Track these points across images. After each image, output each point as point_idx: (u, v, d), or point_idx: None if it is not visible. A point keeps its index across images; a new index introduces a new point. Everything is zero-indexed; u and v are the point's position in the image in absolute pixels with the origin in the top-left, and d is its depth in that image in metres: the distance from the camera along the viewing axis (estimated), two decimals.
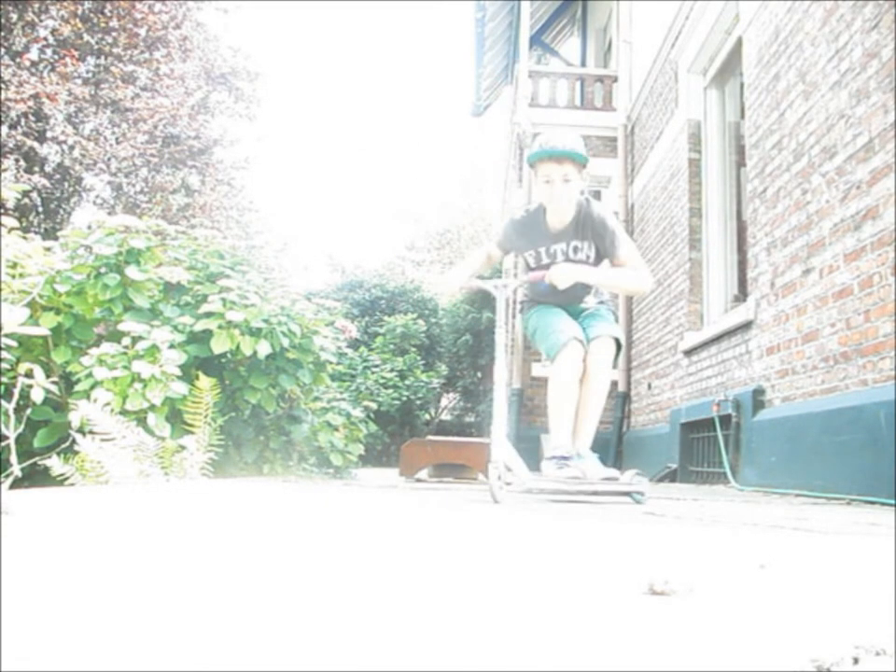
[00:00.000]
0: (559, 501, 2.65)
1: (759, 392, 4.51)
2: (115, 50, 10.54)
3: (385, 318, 14.20)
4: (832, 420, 3.52)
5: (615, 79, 9.32)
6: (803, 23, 4.17)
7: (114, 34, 10.50)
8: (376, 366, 12.68)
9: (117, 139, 10.38)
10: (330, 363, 4.17)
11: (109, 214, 5.85)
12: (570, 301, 3.00)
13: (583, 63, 12.33)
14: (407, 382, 12.64)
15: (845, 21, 3.68)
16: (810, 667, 0.57)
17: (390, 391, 12.22)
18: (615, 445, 8.23)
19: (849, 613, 0.80)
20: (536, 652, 0.60)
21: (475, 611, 0.76)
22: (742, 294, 5.51)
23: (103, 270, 3.28)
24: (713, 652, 0.62)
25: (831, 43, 3.82)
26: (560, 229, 2.91)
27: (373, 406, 5.84)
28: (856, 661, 0.59)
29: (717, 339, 5.39)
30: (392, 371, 12.64)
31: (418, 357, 13.38)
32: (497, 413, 2.70)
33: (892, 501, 2.88)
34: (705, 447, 5.52)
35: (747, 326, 4.80)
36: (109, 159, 10.21)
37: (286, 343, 3.56)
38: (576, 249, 2.92)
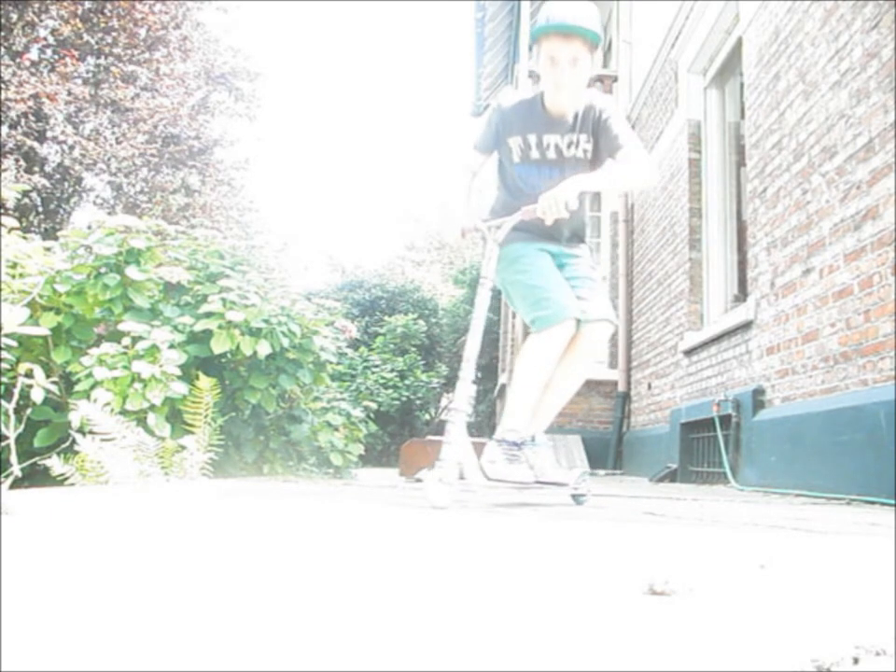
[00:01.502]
0: (500, 504, 2.51)
1: (759, 392, 4.51)
2: (115, 50, 10.54)
3: (385, 318, 14.20)
4: (832, 420, 3.52)
5: (615, 79, 9.31)
6: (803, 23, 4.17)
7: (114, 34, 10.49)
8: (376, 366, 12.69)
9: (117, 139, 10.38)
10: (330, 363, 4.17)
11: (109, 214, 5.85)
12: (555, 237, 2.64)
13: None
14: (407, 382, 12.64)
15: (845, 20, 3.68)
16: (810, 667, 0.57)
17: (390, 391, 12.22)
18: (615, 445, 8.23)
19: (849, 613, 0.80)
20: (537, 653, 0.60)
21: (476, 612, 0.76)
22: (742, 294, 5.51)
23: (103, 270, 3.28)
24: (713, 652, 0.62)
25: (831, 43, 3.82)
26: (558, 117, 2.51)
27: (373, 406, 5.85)
28: (856, 661, 0.59)
29: (717, 339, 5.39)
30: (392, 371, 12.65)
31: (418, 357, 13.39)
32: (458, 399, 2.27)
33: (892, 501, 2.88)
34: (705, 447, 5.52)
35: (747, 326, 4.80)
36: (109, 159, 10.20)
37: (286, 343, 3.56)
38: (571, 144, 2.52)
